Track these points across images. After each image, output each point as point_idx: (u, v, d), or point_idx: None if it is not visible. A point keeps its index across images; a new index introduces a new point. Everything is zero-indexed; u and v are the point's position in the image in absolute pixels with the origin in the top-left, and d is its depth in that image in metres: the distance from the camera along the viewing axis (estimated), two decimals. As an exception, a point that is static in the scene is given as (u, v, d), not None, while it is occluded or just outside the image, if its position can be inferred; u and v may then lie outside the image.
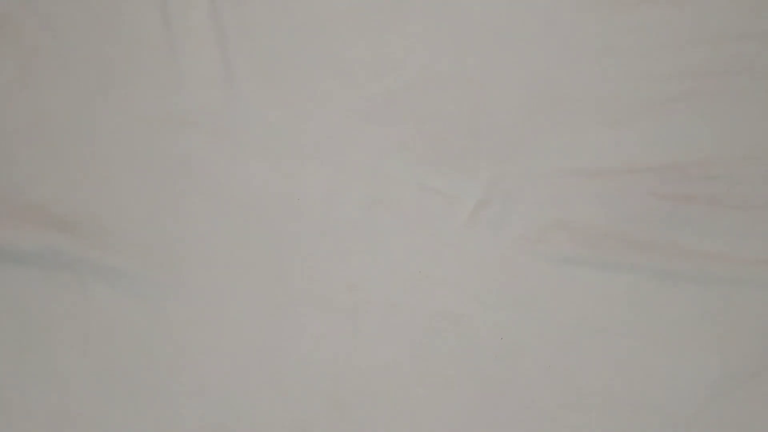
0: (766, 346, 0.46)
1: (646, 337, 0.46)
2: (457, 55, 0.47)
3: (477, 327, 0.46)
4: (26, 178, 0.47)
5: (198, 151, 0.47)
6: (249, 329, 0.47)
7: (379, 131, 0.47)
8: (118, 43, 0.47)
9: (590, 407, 0.46)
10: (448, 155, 0.47)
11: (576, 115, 0.47)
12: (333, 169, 0.47)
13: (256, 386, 0.46)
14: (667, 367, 0.46)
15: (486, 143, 0.47)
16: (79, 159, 0.47)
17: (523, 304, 0.46)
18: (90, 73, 0.47)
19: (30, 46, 0.48)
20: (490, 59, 0.47)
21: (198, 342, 0.47)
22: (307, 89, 0.47)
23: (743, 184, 0.47)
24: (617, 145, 0.47)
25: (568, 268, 0.46)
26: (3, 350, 0.47)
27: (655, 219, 0.46)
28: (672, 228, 0.46)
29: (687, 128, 0.47)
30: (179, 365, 0.47)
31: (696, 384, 0.46)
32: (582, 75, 0.47)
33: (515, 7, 0.47)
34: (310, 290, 0.47)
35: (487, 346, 0.46)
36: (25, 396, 0.47)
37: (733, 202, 0.46)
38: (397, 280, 0.47)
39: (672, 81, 0.47)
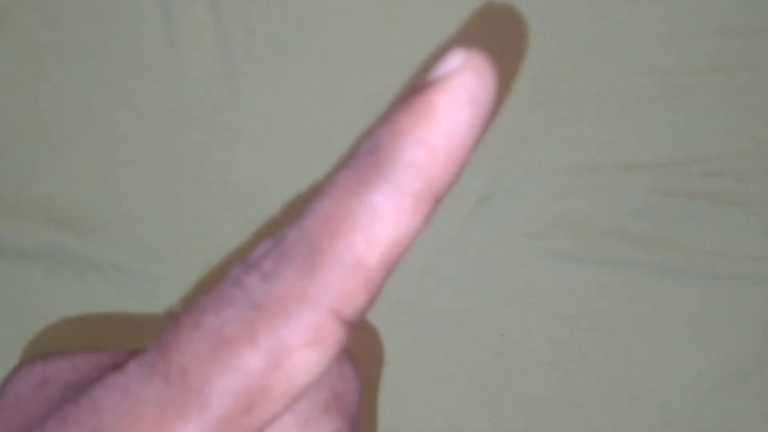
0: (767, 342, 0.46)
1: (647, 333, 0.46)
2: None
3: (477, 323, 0.46)
4: (26, 173, 0.47)
5: (198, 145, 0.47)
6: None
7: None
8: (118, 37, 0.47)
9: (591, 403, 0.46)
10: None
11: (577, 110, 0.47)
12: (333, 164, 0.47)
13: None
14: (667, 363, 0.46)
15: (488, 139, 0.47)
16: (80, 154, 0.47)
17: (524, 300, 0.46)
18: (90, 68, 0.47)
19: (29, 42, 0.48)
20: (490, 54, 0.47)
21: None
22: (307, 84, 0.47)
23: (745, 181, 0.47)
24: (618, 141, 0.47)
25: (568, 265, 0.46)
26: (2, 346, 0.47)
27: (655, 215, 0.46)
28: (673, 224, 0.46)
29: (688, 124, 0.47)
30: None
31: (697, 380, 0.46)
32: (583, 70, 0.47)
33: (515, 2, 0.47)
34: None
35: (487, 343, 0.46)
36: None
37: (735, 198, 0.46)
38: (397, 277, 0.47)
39: (673, 76, 0.47)
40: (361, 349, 0.46)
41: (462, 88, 0.17)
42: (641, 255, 0.46)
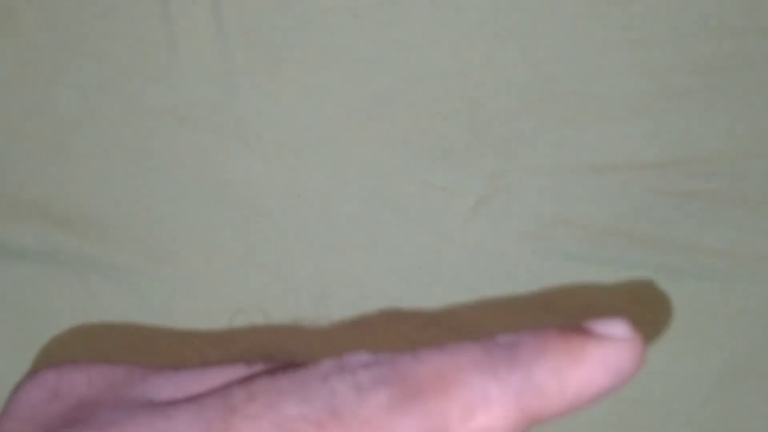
0: (767, 342, 0.46)
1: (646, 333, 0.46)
2: (457, 49, 0.47)
3: (477, 322, 0.46)
4: (25, 173, 0.47)
5: (198, 145, 0.47)
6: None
7: (380, 126, 0.47)
8: (117, 37, 0.47)
9: (591, 403, 0.46)
10: (449, 150, 0.47)
11: (577, 110, 0.47)
12: (333, 164, 0.47)
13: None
14: (668, 363, 0.46)
15: (487, 138, 0.47)
16: (79, 154, 0.47)
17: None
18: (89, 68, 0.47)
19: (29, 41, 0.48)
20: (491, 54, 0.47)
21: (198, 338, 0.47)
22: (307, 84, 0.47)
23: (745, 181, 0.47)
24: (618, 140, 0.47)
25: (568, 264, 0.46)
26: (2, 347, 0.47)
27: (656, 215, 0.46)
28: (673, 224, 0.46)
29: (689, 124, 0.47)
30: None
31: (697, 379, 0.46)
32: (583, 70, 0.47)
33: (516, 1, 0.47)
34: (310, 285, 0.47)
35: (487, 342, 0.46)
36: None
37: (735, 198, 0.46)
38: (397, 275, 0.47)
39: (673, 76, 0.47)
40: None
41: (616, 358, 0.17)
42: (641, 255, 0.46)
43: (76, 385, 0.20)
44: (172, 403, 0.18)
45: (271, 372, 0.18)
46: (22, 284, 0.47)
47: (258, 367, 0.19)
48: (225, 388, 0.18)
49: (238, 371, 0.19)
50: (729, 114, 0.47)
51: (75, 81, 0.47)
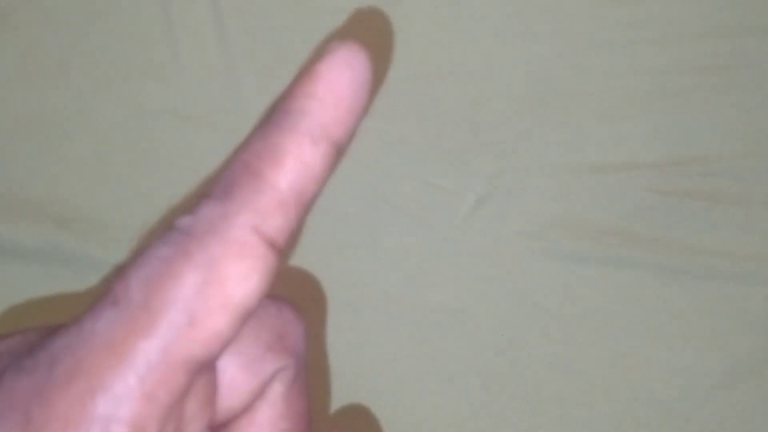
0: (767, 342, 0.46)
1: (647, 333, 0.46)
2: (457, 49, 0.47)
3: (477, 322, 0.46)
4: (25, 173, 0.47)
5: (198, 145, 0.47)
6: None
7: (380, 126, 0.47)
8: (118, 37, 0.47)
9: (591, 402, 0.46)
10: (449, 150, 0.47)
11: (577, 110, 0.47)
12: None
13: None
14: (668, 363, 0.46)
15: (487, 138, 0.47)
16: (79, 154, 0.47)
17: (524, 299, 0.46)
18: (89, 67, 0.47)
19: (29, 41, 0.48)
20: (490, 54, 0.47)
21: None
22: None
23: (745, 180, 0.47)
24: (618, 140, 0.47)
25: (568, 264, 0.46)
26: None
27: (656, 215, 0.46)
28: (673, 224, 0.46)
29: (688, 123, 0.47)
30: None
31: (697, 379, 0.46)
32: (583, 70, 0.47)
33: (516, 1, 0.47)
34: (309, 285, 0.47)
35: (487, 342, 0.46)
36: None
37: (735, 197, 0.46)
38: (397, 275, 0.47)
39: (673, 76, 0.47)
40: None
41: (338, 57, 0.20)
42: (641, 254, 0.46)
43: (14, 345, 0.21)
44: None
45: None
46: (22, 284, 0.47)
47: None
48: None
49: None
50: (729, 114, 0.47)
51: (75, 81, 0.47)
